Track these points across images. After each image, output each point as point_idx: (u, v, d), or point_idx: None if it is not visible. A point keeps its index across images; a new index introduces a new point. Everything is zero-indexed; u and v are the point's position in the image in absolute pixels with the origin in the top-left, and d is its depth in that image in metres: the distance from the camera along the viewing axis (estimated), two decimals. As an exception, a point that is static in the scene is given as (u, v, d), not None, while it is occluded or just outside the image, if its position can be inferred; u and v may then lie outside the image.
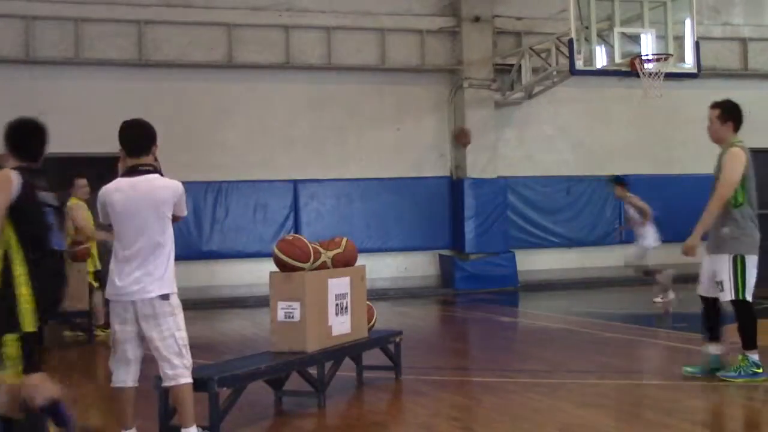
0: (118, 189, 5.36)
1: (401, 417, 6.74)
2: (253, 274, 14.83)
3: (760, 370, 7.04)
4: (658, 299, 13.15)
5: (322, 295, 6.89)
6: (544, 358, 9.02)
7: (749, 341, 7.11)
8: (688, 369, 7.34)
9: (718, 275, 7.10)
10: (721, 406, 6.57)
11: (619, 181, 13.67)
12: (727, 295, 7.08)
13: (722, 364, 7.23)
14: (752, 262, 7.09)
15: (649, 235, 13.23)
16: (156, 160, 5.49)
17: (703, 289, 7.31)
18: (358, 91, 16.60)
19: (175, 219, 5.42)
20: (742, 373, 7.05)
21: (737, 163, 7.10)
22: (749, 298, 7.09)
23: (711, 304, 7.29)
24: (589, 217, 17.58)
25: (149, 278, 5.24)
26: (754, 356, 7.08)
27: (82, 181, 11.19)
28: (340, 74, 16.45)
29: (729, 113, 7.33)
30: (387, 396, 7.37)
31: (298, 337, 6.68)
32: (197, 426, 5.36)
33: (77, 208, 10.75)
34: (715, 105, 7.41)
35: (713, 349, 7.27)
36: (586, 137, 17.71)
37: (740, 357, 7.12)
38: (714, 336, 7.30)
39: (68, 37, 15.06)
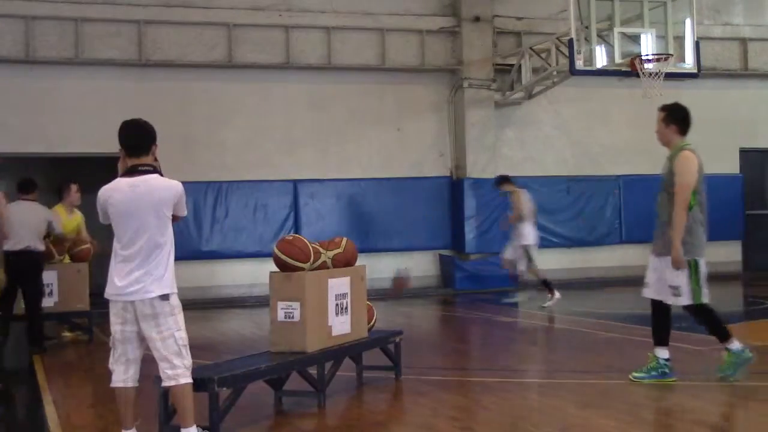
0: (118, 189, 5.35)
1: (401, 417, 6.74)
2: (253, 274, 14.85)
3: (747, 353, 7.02)
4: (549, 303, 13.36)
5: (322, 295, 6.89)
6: (544, 358, 9.03)
7: (722, 335, 7.09)
8: (636, 375, 7.21)
9: (673, 280, 7.04)
10: (721, 406, 6.57)
11: (505, 178, 13.85)
12: (684, 300, 7.04)
13: (671, 368, 7.17)
14: (703, 265, 7.07)
15: (529, 234, 13.41)
16: (156, 160, 5.49)
17: (652, 291, 7.22)
18: (358, 91, 16.61)
19: (175, 219, 5.42)
20: (736, 366, 7.01)
21: (690, 166, 7.05)
22: (706, 300, 7.04)
23: (660, 307, 7.21)
24: (589, 217, 17.58)
25: (149, 278, 5.24)
26: (735, 345, 7.04)
27: (76, 186, 11.29)
28: (340, 74, 16.45)
29: (672, 116, 7.31)
30: (387, 396, 7.37)
31: (298, 337, 6.68)
32: (197, 426, 5.37)
33: (56, 214, 10.81)
34: (662, 108, 7.40)
35: (661, 352, 7.19)
36: (586, 137, 17.71)
37: (726, 354, 7.08)
38: (663, 340, 7.21)
39: (68, 37, 15.06)
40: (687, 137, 7.28)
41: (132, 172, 5.36)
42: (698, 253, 7.03)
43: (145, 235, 5.26)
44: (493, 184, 14.42)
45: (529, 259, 13.49)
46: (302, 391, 6.85)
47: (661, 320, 7.24)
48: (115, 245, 5.36)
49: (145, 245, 5.26)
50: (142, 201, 5.27)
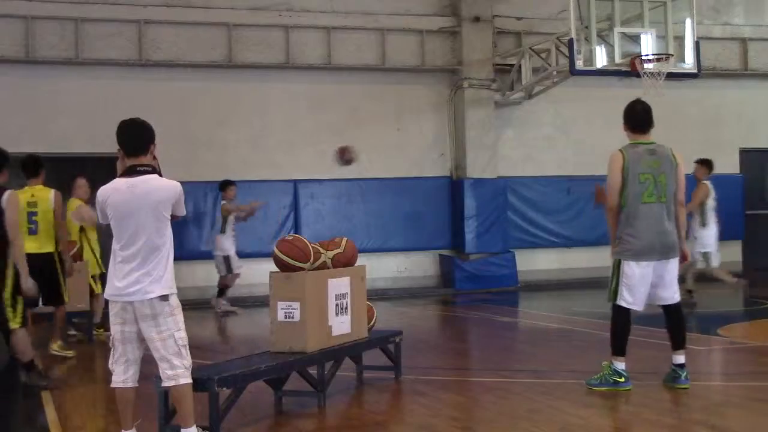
0: (117, 189, 5.35)
1: (401, 417, 6.74)
2: (253, 274, 14.83)
3: (622, 380, 6.92)
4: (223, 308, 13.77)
5: (322, 295, 6.89)
6: (544, 358, 9.02)
7: (615, 348, 7.00)
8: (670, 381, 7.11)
9: None
10: (721, 406, 6.57)
11: (228, 183, 13.99)
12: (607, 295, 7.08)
13: (679, 373, 7.01)
14: (630, 268, 6.93)
15: (228, 245, 13.82)
16: (155, 159, 5.49)
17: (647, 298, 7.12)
18: (358, 91, 16.60)
19: (174, 218, 5.41)
20: (605, 382, 6.96)
21: (611, 167, 7.06)
22: (623, 304, 6.95)
23: (667, 311, 7.14)
24: (589, 217, 17.53)
25: (149, 279, 5.24)
26: (619, 365, 6.94)
27: (82, 181, 11.27)
28: (340, 74, 16.45)
29: (624, 114, 7.44)
30: (387, 396, 7.37)
31: (298, 337, 6.68)
32: (197, 426, 5.37)
33: (82, 206, 10.80)
34: None
35: (674, 357, 7.05)
36: (586, 137, 17.69)
37: (605, 365, 7.02)
38: (673, 344, 7.08)
39: (68, 37, 15.05)
40: (650, 135, 7.28)
41: (131, 172, 5.35)
42: (623, 255, 6.96)
43: (144, 235, 5.26)
44: (220, 187, 14.20)
45: (229, 269, 13.89)
46: (302, 391, 6.85)
47: (668, 324, 7.14)
48: (115, 246, 5.35)
49: (144, 246, 5.25)
50: (141, 201, 5.27)
